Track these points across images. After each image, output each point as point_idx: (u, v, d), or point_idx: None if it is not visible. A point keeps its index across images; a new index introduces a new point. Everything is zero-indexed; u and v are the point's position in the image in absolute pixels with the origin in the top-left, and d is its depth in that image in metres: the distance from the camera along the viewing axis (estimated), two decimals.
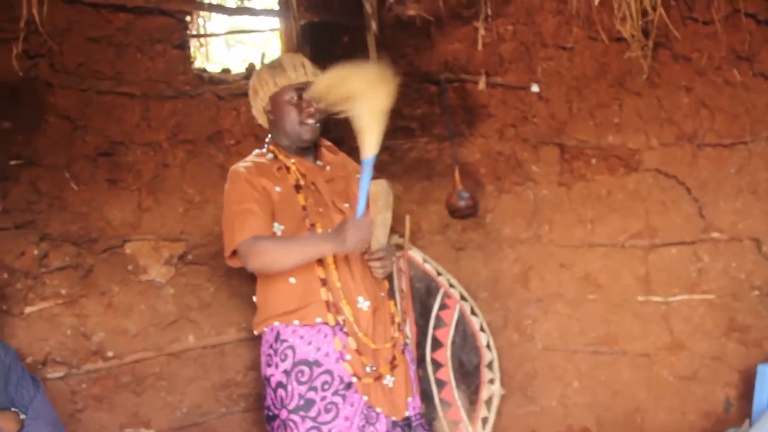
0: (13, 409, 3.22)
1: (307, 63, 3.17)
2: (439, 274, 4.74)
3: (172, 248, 4.20)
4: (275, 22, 5.00)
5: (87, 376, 3.95)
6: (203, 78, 4.38)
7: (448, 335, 4.67)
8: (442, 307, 4.69)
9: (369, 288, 3.11)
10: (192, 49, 4.46)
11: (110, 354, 4.01)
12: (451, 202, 4.70)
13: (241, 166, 3.13)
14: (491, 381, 4.71)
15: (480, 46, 4.73)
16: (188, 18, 4.37)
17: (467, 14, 4.76)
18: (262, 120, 3.30)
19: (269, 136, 3.26)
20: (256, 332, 3.16)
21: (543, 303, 4.96)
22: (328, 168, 3.24)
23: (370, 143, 2.90)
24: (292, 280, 3.01)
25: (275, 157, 3.16)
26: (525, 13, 4.82)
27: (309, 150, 3.22)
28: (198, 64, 4.70)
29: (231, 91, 4.37)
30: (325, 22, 4.67)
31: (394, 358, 3.13)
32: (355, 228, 2.83)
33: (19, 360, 3.43)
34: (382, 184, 3.24)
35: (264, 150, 3.23)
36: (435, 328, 4.66)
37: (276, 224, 3.05)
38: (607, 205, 4.82)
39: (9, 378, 3.29)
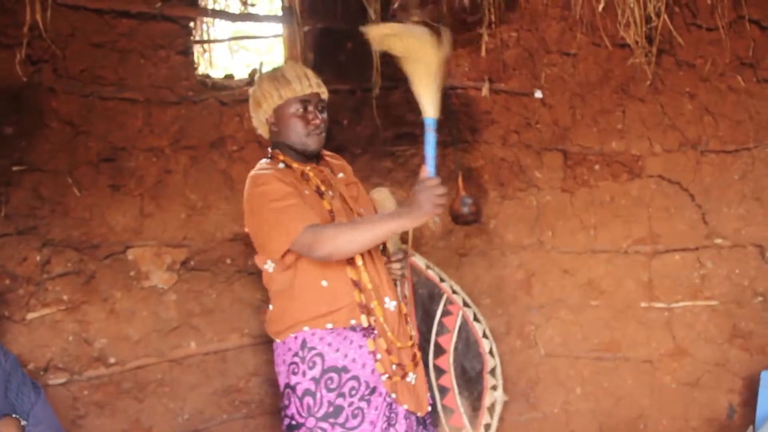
0: (14, 416, 3.20)
1: (310, 73, 3.12)
2: (442, 280, 4.73)
3: (175, 254, 4.20)
4: (278, 28, 5.00)
5: (89, 382, 3.95)
6: (206, 84, 4.38)
7: (450, 341, 4.66)
8: (445, 313, 4.68)
9: (392, 289, 3.13)
10: (195, 55, 4.46)
11: (112, 360, 4.01)
12: (455, 208, 4.69)
13: (261, 170, 3.04)
14: (494, 387, 4.70)
15: (483, 53, 4.73)
16: (191, 24, 4.37)
17: (471, 20, 4.75)
18: (263, 131, 3.22)
19: (272, 146, 3.19)
20: (278, 340, 3.08)
21: (546, 309, 4.95)
22: (341, 174, 3.24)
23: (429, 103, 2.85)
24: (324, 283, 2.98)
25: (288, 166, 3.09)
26: (529, 20, 4.82)
27: (313, 158, 3.18)
28: (201, 69, 4.70)
29: (234, 97, 4.37)
30: (328, 28, 4.67)
31: (414, 355, 3.16)
32: (427, 191, 2.72)
33: (20, 366, 3.42)
34: (385, 192, 3.24)
35: (269, 159, 3.14)
36: (438, 334, 4.65)
37: None
38: (610, 211, 4.81)
39: (9, 384, 3.27)
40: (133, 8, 4.05)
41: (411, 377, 3.12)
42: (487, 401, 4.68)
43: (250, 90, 3.18)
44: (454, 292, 4.72)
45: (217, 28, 5.20)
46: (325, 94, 3.14)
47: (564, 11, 4.70)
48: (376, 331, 3.01)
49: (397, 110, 4.73)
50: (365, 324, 3.00)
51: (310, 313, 2.99)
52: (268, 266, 3.06)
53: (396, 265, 3.18)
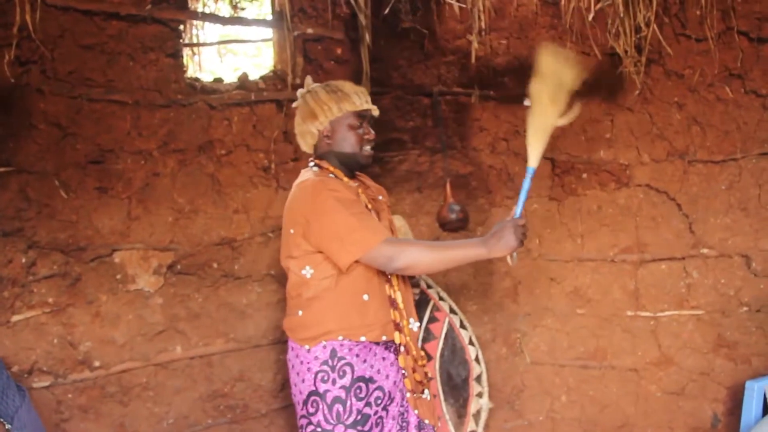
0: None
1: (365, 91, 3.25)
2: (429, 286, 4.73)
3: (161, 258, 4.18)
4: (268, 33, 4.99)
5: (73, 385, 3.92)
6: (195, 87, 4.36)
7: (437, 348, 4.66)
8: (432, 320, 4.68)
9: (415, 311, 3.26)
10: (184, 58, 4.45)
11: (97, 364, 3.98)
12: (442, 214, 4.70)
13: (324, 178, 3.10)
14: (479, 395, 4.71)
15: (473, 60, 4.74)
16: (181, 27, 4.35)
17: (461, 28, 4.77)
18: (306, 143, 3.27)
19: (314, 158, 3.25)
20: (307, 346, 3.09)
21: (532, 317, 4.97)
22: (380, 197, 3.35)
23: (537, 153, 2.97)
24: (365, 297, 3.07)
25: (338, 178, 3.16)
26: (518, 28, 4.84)
27: (353, 175, 3.26)
28: (190, 73, 4.68)
29: (223, 100, 4.35)
30: (318, 34, 4.66)
31: (426, 373, 3.28)
32: (516, 228, 2.83)
33: (4, 368, 3.41)
34: (402, 221, 3.37)
35: (316, 169, 3.19)
36: (424, 341, 4.65)
37: None
38: (597, 219, 4.82)
39: None
40: (123, 10, 4.03)
41: (426, 393, 3.25)
42: (472, 408, 4.68)
43: (299, 102, 3.27)
44: (440, 298, 4.73)
45: (206, 32, 5.18)
46: (376, 112, 3.26)
47: (554, 20, 4.71)
48: (403, 348, 3.13)
49: (387, 116, 4.73)
50: (398, 341, 3.11)
51: (346, 324, 3.06)
52: (306, 272, 3.08)
53: (416, 290, 3.37)
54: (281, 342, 4.44)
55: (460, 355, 4.70)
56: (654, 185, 4.69)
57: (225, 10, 5.00)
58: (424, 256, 2.92)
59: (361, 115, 3.18)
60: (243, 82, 4.51)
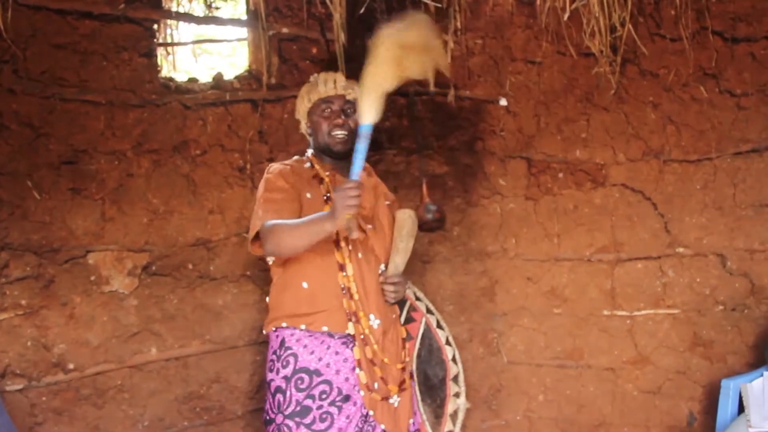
0: None
1: (339, 77, 3.30)
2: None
3: (136, 259, 4.16)
4: (243, 32, 4.97)
5: (47, 388, 3.89)
6: (169, 87, 4.33)
7: (414, 348, 4.65)
8: (408, 320, 4.67)
9: (381, 308, 3.18)
10: (158, 58, 4.42)
11: (71, 366, 3.95)
12: (419, 214, 4.67)
13: (278, 163, 3.27)
14: (457, 395, 4.70)
15: (449, 60, 4.73)
16: (155, 26, 4.33)
17: (437, 27, 4.76)
18: (305, 134, 3.44)
19: (310, 149, 3.38)
20: (264, 332, 3.22)
21: (509, 316, 4.97)
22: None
23: (373, 108, 2.91)
24: (304, 284, 3.09)
25: (312, 166, 3.28)
26: (494, 27, 4.84)
27: (345, 164, 3.17)
28: (164, 72, 4.66)
29: (197, 100, 4.33)
30: (293, 34, 4.64)
31: (403, 381, 3.23)
32: (340, 192, 2.83)
33: None
34: (410, 214, 3.32)
35: (304, 157, 3.35)
36: None
37: None
38: (573, 219, 4.84)
39: None
40: (96, 9, 4.00)
41: (394, 399, 3.16)
42: (449, 408, 4.68)
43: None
44: (417, 299, 4.72)
45: (181, 31, 5.14)
46: (351, 95, 3.25)
47: (529, 19, 4.72)
48: (356, 341, 3.06)
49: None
50: (352, 332, 3.05)
51: (287, 311, 3.09)
52: (269, 258, 3.19)
53: (389, 288, 3.22)
54: (257, 343, 4.42)
55: (437, 355, 4.70)
56: (630, 185, 4.71)
57: (199, 10, 4.98)
58: (283, 238, 2.95)
59: (328, 101, 3.25)
60: (218, 82, 4.49)
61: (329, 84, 3.26)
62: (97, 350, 4.03)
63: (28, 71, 3.84)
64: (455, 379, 4.71)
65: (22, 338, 3.83)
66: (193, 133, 4.32)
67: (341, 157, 3.26)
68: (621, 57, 4.48)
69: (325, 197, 3.16)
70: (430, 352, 4.69)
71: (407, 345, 3.33)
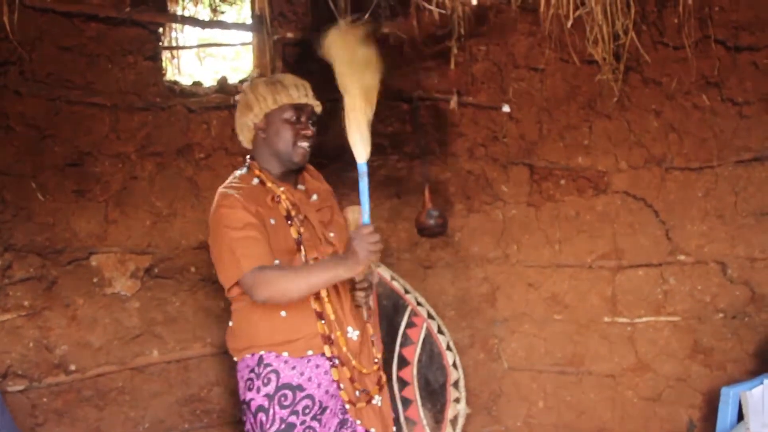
0: None
1: (308, 85, 3.09)
2: (406, 291, 4.72)
3: (139, 261, 4.17)
4: (248, 37, 4.98)
5: (48, 389, 3.90)
6: (174, 90, 4.35)
7: (414, 353, 4.66)
8: (409, 325, 4.68)
9: (356, 317, 3.09)
10: (163, 61, 4.44)
11: (73, 367, 3.96)
12: (420, 220, 4.69)
13: (232, 190, 2.96)
14: (457, 400, 4.70)
15: (452, 66, 4.75)
16: (160, 30, 4.35)
17: (440, 33, 4.78)
18: (244, 137, 3.13)
19: (249, 156, 3.13)
20: (235, 359, 3.05)
21: (510, 322, 4.97)
22: (314, 197, 3.16)
23: (363, 146, 2.87)
24: (283, 313, 2.93)
25: (262, 182, 3.03)
26: (498, 34, 4.85)
27: (293, 174, 3.11)
28: (169, 76, 4.68)
29: (202, 104, 4.34)
30: (298, 38, 4.66)
31: (380, 378, 3.16)
32: (360, 239, 2.74)
33: None
34: (359, 211, 3.21)
35: (245, 171, 3.09)
36: (402, 346, 4.65)
37: None
38: (575, 226, 4.84)
39: None
40: (102, 12, 4.02)
41: (377, 400, 3.11)
42: (449, 414, 4.68)
43: (239, 95, 3.12)
44: (418, 303, 4.72)
45: (185, 35, 5.17)
46: (318, 108, 3.11)
47: (533, 27, 4.73)
48: (337, 361, 2.97)
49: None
50: (328, 354, 2.96)
51: (266, 340, 2.95)
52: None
53: (360, 293, 3.12)
54: None
55: (437, 360, 4.70)
56: (631, 192, 4.72)
57: (204, 14, 5.00)
58: (285, 285, 2.80)
59: (299, 109, 3.03)
60: (222, 86, 4.50)
61: (301, 90, 3.05)
62: (98, 352, 4.04)
63: (34, 73, 3.86)
64: (456, 384, 4.71)
65: (24, 339, 3.84)
66: (197, 136, 4.33)
67: (296, 170, 3.12)
68: (624, 65, 4.49)
69: (287, 219, 2.99)
70: (430, 357, 4.69)
71: (377, 343, 3.25)
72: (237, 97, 3.17)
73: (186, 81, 4.73)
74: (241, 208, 2.88)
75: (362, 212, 2.82)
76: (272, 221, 2.95)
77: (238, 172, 3.09)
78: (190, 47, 5.42)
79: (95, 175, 4.03)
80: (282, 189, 3.03)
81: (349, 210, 3.09)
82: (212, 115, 4.37)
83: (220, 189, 3.00)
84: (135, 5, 4.12)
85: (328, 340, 2.96)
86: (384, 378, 3.21)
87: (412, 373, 4.64)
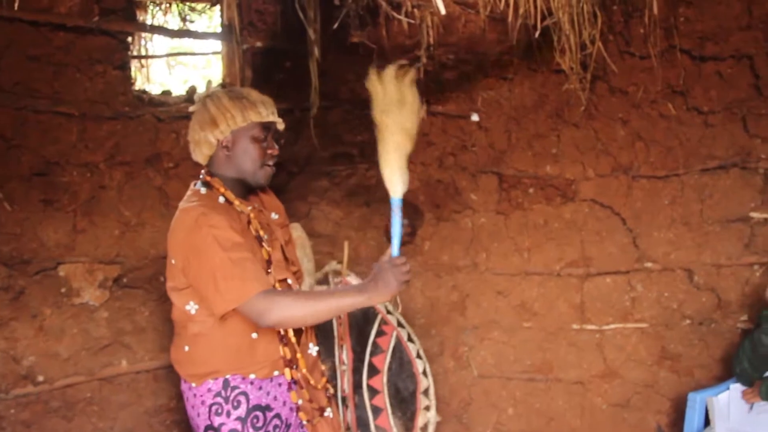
0: None
1: (271, 101, 2.97)
2: None
3: (107, 271, 4.14)
4: (217, 45, 4.98)
5: (15, 400, 3.86)
6: (143, 99, 4.33)
7: (384, 362, 4.66)
8: (379, 333, 4.68)
9: (315, 334, 3.06)
10: (132, 70, 4.42)
11: (40, 378, 3.92)
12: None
13: (207, 208, 2.77)
14: (427, 408, 4.71)
15: (421, 75, 4.77)
16: (129, 39, 4.33)
17: (410, 42, 4.79)
18: (201, 153, 2.95)
19: (204, 171, 2.95)
20: (194, 384, 2.87)
21: (479, 330, 4.99)
22: (274, 215, 3.09)
23: (398, 182, 2.82)
24: (254, 335, 2.83)
25: (228, 201, 2.87)
26: (467, 43, 4.87)
27: (250, 192, 3.01)
28: (138, 85, 4.66)
29: (171, 113, 4.33)
30: (267, 47, 4.66)
31: (327, 389, 3.12)
32: (395, 269, 2.65)
33: None
34: (300, 230, 3.17)
35: (204, 189, 2.90)
36: (372, 354, 4.65)
37: None
38: (543, 234, 4.88)
39: None
40: (70, 22, 3.99)
41: (328, 412, 3.08)
42: (420, 421, 4.68)
43: (197, 107, 2.96)
44: (388, 312, 4.73)
45: (155, 44, 5.16)
46: (281, 126, 2.99)
47: (501, 36, 4.75)
48: (296, 385, 2.93)
49: (335, 130, 4.74)
50: (288, 378, 2.90)
51: (233, 364, 2.85)
52: (190, 307, 2.85)
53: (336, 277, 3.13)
54: None
55: (407, 368, 4.71)
56: (599, 200, 4.76)
57: (174, 23, 4.99)
58: (297, 311, 2.67)
59: (266, 127, 2.89)
60: (191, 95, 4.49)
61: (269, 107, 2.92)
62: (66, 362, 4.01)
63: (1, 82, 3.83)
64: (426, 392, 4.72)
65: None
66: (166, 145, 4.32)
67: (258, 190, 3.03)
68: (591, 74, 4.53)
69: (258, 239, 2.88)
70: (400, 365, 4.70)
71: (347, 352, 3.22)
72: (193, 108, 2.97)
73: (156, 89, 4.72)
74: (228, 228, 2.73)
75: (393, 246, 2.77)
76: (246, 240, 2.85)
77: (201, 190, 2.90)
78: (159, 56, 5.41)
79: (63, 185, 4.00)
80: (249, 208, 2.92)
81: (293, 229, 3.02)
82: (181, 124, 4.35)
83: (188, 206, 2.82)
84: (104, 15, 4.10)
85: (288, 363, 2.90)
86: (331, 390, 3.16)
87: (382, 381, 4.65)
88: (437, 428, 4.77)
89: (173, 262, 2.85)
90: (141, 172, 4.23)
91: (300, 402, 2.94)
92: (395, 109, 2.80)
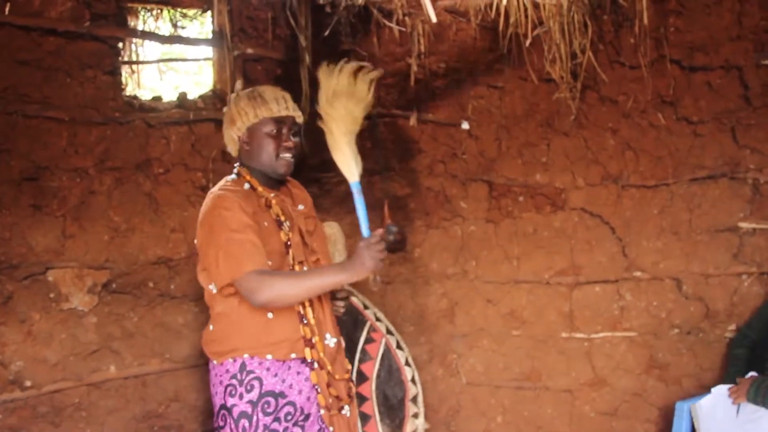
0: None
1: (288, 96, 3.16)
2: (365, 307, 4.74)
3: (96, 276, 4.14)
4: (208, 52, 4.98)
5: (3, 406, 3.85)
6: (133, 105, 4.33)
7: (373, 369, 4.67)
8: (368, 340, 4.69)
9: (335, 325, 3.18)
10: (123, 76, 4.41)
11: (28, 383, 3.92)
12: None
13: (227, 192, 3.02)
14: (415, 415, 4.72)
15: (412, 82, 4.79)
16: (120, 44, 4.33)
17: (400, 51, 4.81)
18: (232, 148, 3.21)
19: (237, 164, 3.19)
20: (215, 362, 3.06)
21: (468, 338, 4.99)
22: (301, 206, 3.25)
23: (353, 166, 3.05)
24: (270, 315, 2.99)
25: (253, 188, 3.11)
26: (457, 52, 4.89)
27: (278, 183, 3.19)
28: (129, 90, 4.65)
29: (161, 119, 4.33)
30: (258, 54, 4.66)
31: (350, 389, 3.22)
32: (369, 248, 2.83)
33: None
34: (336, 227, 3.30)
35: (235, 177, 3.15)
36: (360, 361, 4.65)
37: None
38: (533, 242, 4.88)
39: None
40: (61, 26, 4.00)
41: (346, 410, 3.16)
42: (408, 429, 4.69)
43: (227, 107, 3.18)
44: (377, 319, 4.73)
45: (146, 49, 5.15)
46: (300, 119, 3.18)
47: (492, 44, 4.78)
48: (316, 365, 3.04)
49: (325, 137, 4.73)
50: (308, 358, 3.03)
51: (251, 342, 3.00)
52: (213, 287, 3.05)
53: (340, 303, 3.26)
54: None
55: (396, 375, 4.71)
56: (588, 209, 4.77)
57: (165, 29, 4.99)
58: (287, 290, 2.89)
59: (279, 122, 3.09)
60: (182, 101, 4.50)
61: (281, 103, 3.11)
62: (55, 368, 4.00)
63: None
64: (414, 399, 4.72)
65: None
66: (156, 151, 4.32)
67: (281, 180, 3.20)
68: (581, 83, 4.54)
69: (277, 223, 3.07)
70: (389, 372, 4.70)
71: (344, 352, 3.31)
72: (225, 110, 3.22)
73: (146, 96, 4.71)
74: (239, 210, 2.95)
75: (361, 226, 2.95)
76: (265, 223, 3.03)
77: (229, 178, 3.15)
78: (150, 62, 5.40)
79: (52, 190, 4.00)
80: (272, 195, 3.12)
81: (327, 227, 3.17)
82: (171, 130, 4.36)
83: (214, 191, 3.06)
84: (94, 20, 4.10)
85: (309, 343, 3.03)
86: (354, 390, 3.27)
87: (370, 388, 4.65)
88: None
89: (195, 242, 3.09)
90: (131, 178, 4.23)
91: (319, 389, 3.05)
92: (344, 98, 2.99)
